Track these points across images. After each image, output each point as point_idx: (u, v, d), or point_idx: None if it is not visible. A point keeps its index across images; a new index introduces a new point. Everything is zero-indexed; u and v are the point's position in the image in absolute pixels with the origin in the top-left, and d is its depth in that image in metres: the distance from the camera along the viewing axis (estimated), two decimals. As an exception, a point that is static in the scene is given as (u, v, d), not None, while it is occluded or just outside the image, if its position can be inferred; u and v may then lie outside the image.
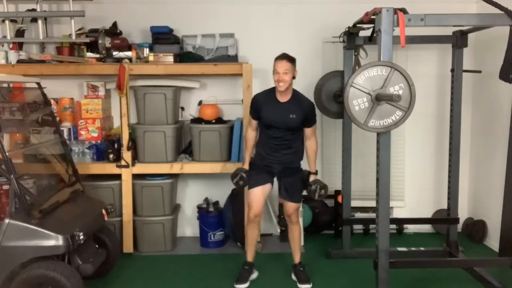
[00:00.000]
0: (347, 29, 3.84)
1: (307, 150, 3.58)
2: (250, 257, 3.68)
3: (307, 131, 3.51)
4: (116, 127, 4.46)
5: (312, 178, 3.58)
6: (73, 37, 4.24)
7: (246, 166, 3.63)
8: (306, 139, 3.55)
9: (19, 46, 4.31)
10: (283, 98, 3.44)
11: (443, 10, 3.28)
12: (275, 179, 3.62)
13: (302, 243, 3.81)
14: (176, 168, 4.20)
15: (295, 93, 3.49)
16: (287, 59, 3.37)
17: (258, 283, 3.63)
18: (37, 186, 3.67)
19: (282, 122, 3.42)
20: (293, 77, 3.41)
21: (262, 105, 3.46)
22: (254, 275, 3.68)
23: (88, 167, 4.13)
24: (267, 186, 3.55)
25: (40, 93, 3.67)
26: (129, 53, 4.15)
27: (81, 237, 3.03)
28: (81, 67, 4.12)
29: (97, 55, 4.22)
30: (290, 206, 3.57)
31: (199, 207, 4.51)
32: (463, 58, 3.90)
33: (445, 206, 4.23)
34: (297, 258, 3.68)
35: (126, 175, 4.15)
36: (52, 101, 4.18)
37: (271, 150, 3.51)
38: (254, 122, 3.57)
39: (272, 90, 3.50)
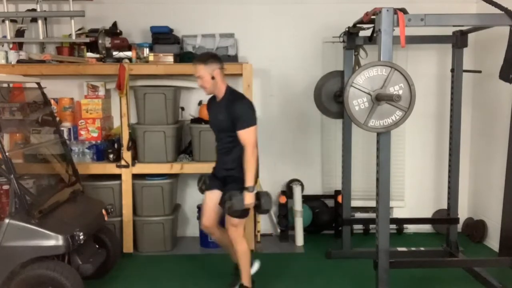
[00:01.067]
0: (347, 29, 3.84)
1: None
2: (235, 258, 3.32)
3: (239, 135, 3.02)
4: (116, 127, 4.46)
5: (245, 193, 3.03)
6: (73, 37, 4.24)
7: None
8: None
9: (19, 46, 4.31)
10: (218, 97, 3.17)
11: (443, 10, 3.28)
12: None
13: (252, 271, 3.31)
14: (176, 168, 4.20)
15: (229, 92, 3.13)
16: (198, 62, 3.07)
17: (258, 283, 3.62)
18: (37, 186, 3.67)
19: (214, 123, 3.22)
20: (212, 77, 3.05)
21: (208, 107, 3.31)
22: (255, 266, 3.38)
23: (88, 167, 4.13)
24: (216, 192, 3.22)
25: (40, 93, 3.67)
26: (129, 53, 4.15)
27: (81, 237, 3.03)
28: (81, 67, 4.12)
29: (97, 55, 4.22)
30: (226, 219, 3.18)
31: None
32: (463, 58, 3.90)
33: (445, 206, 4.22)
34: (245, 280, 3.24)
35: (126, 175, 4.15)
36: (52, 101, 4.18)
37: (216, 155, 3.27)
38: None
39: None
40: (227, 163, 3.17)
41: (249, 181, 3.02)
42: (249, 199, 3.01)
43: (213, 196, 3.23)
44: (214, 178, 3.28)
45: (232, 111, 3.03)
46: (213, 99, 3.26)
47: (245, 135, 3.01)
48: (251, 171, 3.01)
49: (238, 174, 3.09)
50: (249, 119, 3.02)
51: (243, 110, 3.02)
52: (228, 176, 3.17)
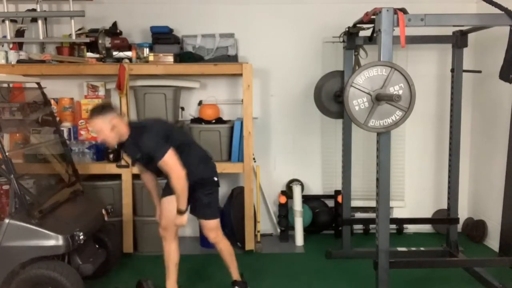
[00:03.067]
0: (347, 29, 3.84)
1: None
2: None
3: (159, 166, 2.94)
4: (116, 127, 4.45)
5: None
6: (73, 37, 4.24)
7: None
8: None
9: (19, 46, 4.31)
10: (124, 140, 3.00)
11: (443, 10, 3.29)
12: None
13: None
14: (176, 168, 4.19)
15: (132, 131, 2.97)
16: (94, 115, 2.90)
17: (258, 283, 3.62)
18: (37, 186, 3.68)
19: (135, 161, 3.14)
20: (113, 127, 2.89)
21: (120, 147, 3.14)
22: None
23: (88, 167, 4.13)
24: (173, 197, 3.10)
25: (40, 93, 3.67)
26: (129, 53, 4.16)
27: (81, 237, 3.03)
28: (81, 67, 4.12)
29: (97, 55, 4.22)
30: (201, 223, 3.24)
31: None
32: (463, 58, 3.90)
33: (445, 206, 4.22)
34: (234, 275, 3.31)
35: (126, 175, 4.15)
36: (52, 101, 4.18)
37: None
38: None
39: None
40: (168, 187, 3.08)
41: (181, 205, 2.98)
42: (181, 220, 3.01)
43: (171, 200, 3.13)
44: None
45: (143, 149, 2.92)
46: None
47: (164, 164, 2.90)
48: (181, 197, 2.95)
49: (195, 178, 3.07)
50: (160, 148, 2.89)
51: (150, 144, 2.89)
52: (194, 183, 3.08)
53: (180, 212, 2.99)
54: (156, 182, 3.32)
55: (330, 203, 4.72)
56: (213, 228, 3.17)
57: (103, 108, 2.94)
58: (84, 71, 4.13)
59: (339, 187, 4.52)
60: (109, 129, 2.89)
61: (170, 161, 2.90)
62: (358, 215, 4.74)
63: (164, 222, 3.17)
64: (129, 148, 3.02)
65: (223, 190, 4.50)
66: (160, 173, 3.08)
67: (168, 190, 3.14)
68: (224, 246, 3.25)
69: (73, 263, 3.15)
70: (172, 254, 3.19)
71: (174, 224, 3.07)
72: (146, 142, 2.89)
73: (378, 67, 2.87)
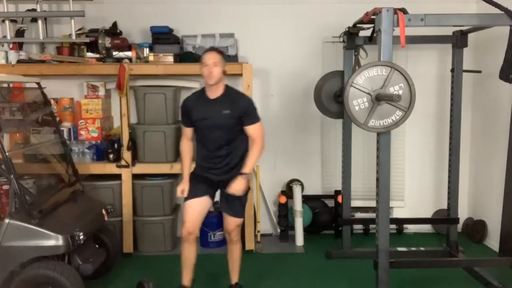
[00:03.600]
0: (347, 29, 3.84)
1: (250, 149, 3.10)
2: (185, 280, 3.21)
3: (249, 130, 3.05)
4: (116, 127, 4.46)
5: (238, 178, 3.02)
6: (73, 37, 4.24)
7: (185, 184, 3.17)
8: (250, 141, 3.10)
9: (19, 46, 4.31)
10: (213, 94, 3.05)
11: (443, 10, 3.28)
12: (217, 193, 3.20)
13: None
14: (176, 168, 4.20)
15: (228, 89, 3.10)
16: (216, 51, 3.06)
17: (258, 283, 3.63)
18: (37, 186, 3.67)
19: (214, 120, 3.02)
20: (224, 72, 3.03)
21: (193, 107, 3.10)
22: None
23: (88, 167, 4.13)
24: (205, 199, 3.13)
25: (40, 93, 3.67)
26: (129, 53, 4.15)
27: (81, 237, 3.03)
28: (81, 67, 4.12)
29: (97, 55, 4.22)
30: (231, 221, 3.16)
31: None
32: (463, 58, 3.90)
33: (445, 206, 4.22)
34: (234, 278, 3.31)
35: (126, 175, 4.15)
36: (52, 101, 4.18)
37: (209, 157, 3.10)
38: (188, 131, 3.18)
39: (202, 90, 3.14)
40: (226, 161, 3.08)
41: (249, 169, 3.04)
42: (245, 184, 3.03)
43: (203, 202, 3.13)
44: (198, 183, 3.14)
45: (239, 108, 3.02)
46: (196, 100, 3.12)
47: (257, 129, 3.06)
48: (254, 161, 3.05)
49: (239, 173, 3.07)
50: (257, 114, 3.09)
51: (250, 106, 3.07)
52: (229, 176, 3.06)
53: (246, 176, 3.03)
54: (192, 155, 3.26)
55: (330, 203, 4.71)
56: (240, 225, 3.23)
57: (223, 53, 3.13)
58: (84, 71, 4.13)
59: (339, 187, 4.51)
60: (222, 69, 3.00)
61: (262, 128, 3.11)
62: (358, 215, 4.74)
63: (191, 225, 3.10)
64: (216, 103, 3.03)
65: (223, 190, 4.49)
66: (219, 143, 3.05)
67: (196, 191, 3.12)
68: (240, 248, 3.29)
69: (73, 263, 3.14)
70: (193, 255, 3.18)
71: (233, 189, 3.01)
72: (249, 101, 3.09)
73: (378, 67, 2.87)
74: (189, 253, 3.16)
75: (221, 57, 3.04)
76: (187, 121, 3.15)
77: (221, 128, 3.04)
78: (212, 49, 3.11)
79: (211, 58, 2.98)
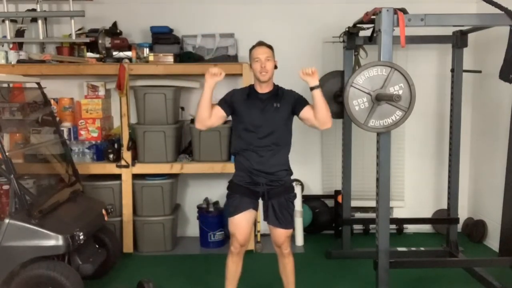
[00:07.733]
0: (347, 29, 3.84)
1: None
2: None
3: (304, 113, 2.93)
4: (116, 127, 4.46)
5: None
6: (73, 37, 4.24)
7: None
8: (314, 115, 2.91)
9: (19, 46, 4.31)
10: (263, 89, 2.93)
11: (443, 10, 3.28)
12: (260, 201, 3.00)
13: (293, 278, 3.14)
14: (176, 168, 4.20)
15: (276, 85, 3.01)
16: (266, 45, 2.94)
17: (258, 283, 3.63)
18: (37, 186, 3.67)
19: (264, 116, 2.89)
20: (275, 67, 2.94)
21: (242, 102, 2.94)
22: None
23: (88, 167, 4.13)
24: (250, 212, 2.95)
25: (40, 93, 3.67)
26: (129, 53, 4.16)
27: (81, 237, 3.03)
28: (81, 67, 4.12)
29: (97, 55, 4.23)
30: (280, 233, 2.96)
31: (199, 207, 4.51)
32: (463, 58, 3.90)
33: (445, 206, 4.22)
34: None
35: (126, 175, 4.15)
36: (52, 101, 4.19)
37: (253, 161, 2.88)
38: (218, 110, 2.96)
39: (250, 87, 3.03)
40: (273, 166, 2.91)
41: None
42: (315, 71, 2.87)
43: (249, 217, 2.95)
44: (241, 195, 2.95)
45: (291, 98, 2.95)
46: (245, 94, 2.97)
47: (311, 108, 2.93)
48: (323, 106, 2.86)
49: (285, 179, 2.96)
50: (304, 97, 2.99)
51: (298, 94, 3.01)
52: (275, 185, 2.91)
53: (318, 86, 2.87)
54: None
55: (330, 203, 4.72)
56: (290, 236, 3.01)
57: (273, 48, 2.98)
58: (84, 71, 4.13)
59: (339, 187, 4.51)
60: (273, 63, 2.91)
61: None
62: (358, 215, 4.74)
63: (243, 238, 2.95)
64: (268, 98, 2.93)
65: (223, 190, 4.48)
66: (266, 148, 2.92)
67: (243, 205, 2.94)
68: (293, 261, 3.07)
69: (73, 263, 3.14)
70: (240, 268, 3.06)
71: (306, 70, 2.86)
72: (295, 92, 3.03)
73: (378, 67, 2.87)
74: (237, 266, 3.03)
75: (273, 52, 2.94)
76: (225, 107, 2.97)
77: (272, 127, 2.92)
78: (262, 43, 2.97)
79: (263, 53, 2.87)
